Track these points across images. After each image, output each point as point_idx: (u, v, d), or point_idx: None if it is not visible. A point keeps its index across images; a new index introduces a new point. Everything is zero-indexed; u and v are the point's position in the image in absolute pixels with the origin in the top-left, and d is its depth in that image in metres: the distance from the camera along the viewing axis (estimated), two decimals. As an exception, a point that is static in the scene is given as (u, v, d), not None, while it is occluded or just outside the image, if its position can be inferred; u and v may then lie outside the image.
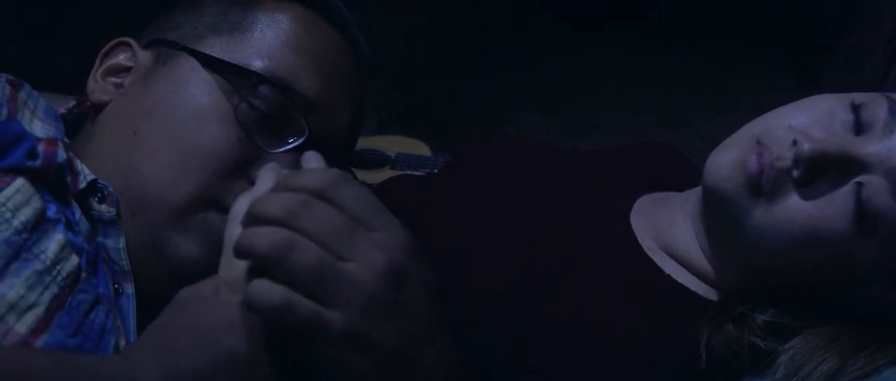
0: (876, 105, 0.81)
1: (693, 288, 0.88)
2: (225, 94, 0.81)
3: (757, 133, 0.84)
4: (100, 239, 0.77)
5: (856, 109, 0.81)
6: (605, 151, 1.15)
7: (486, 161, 1.06)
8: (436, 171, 1.21)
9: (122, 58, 0.87)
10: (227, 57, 0.82)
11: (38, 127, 0.78)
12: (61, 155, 0.73)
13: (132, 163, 0.79)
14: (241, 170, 0.79)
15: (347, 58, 0.91)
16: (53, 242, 0.69)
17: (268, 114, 0.81)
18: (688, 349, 0.81)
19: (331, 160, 0.75)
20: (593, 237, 0.92)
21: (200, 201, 0.78)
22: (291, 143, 0.82)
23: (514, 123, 3.26)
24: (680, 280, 0.88)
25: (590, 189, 1.00)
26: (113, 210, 0.78)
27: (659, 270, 0.89)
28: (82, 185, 0.77)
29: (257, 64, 0.82)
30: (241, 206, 0.66)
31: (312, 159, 0.72)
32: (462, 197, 0.99)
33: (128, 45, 0.87)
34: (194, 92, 0.81)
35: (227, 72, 0.81)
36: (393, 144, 2.15)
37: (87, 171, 0.78)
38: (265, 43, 0.84)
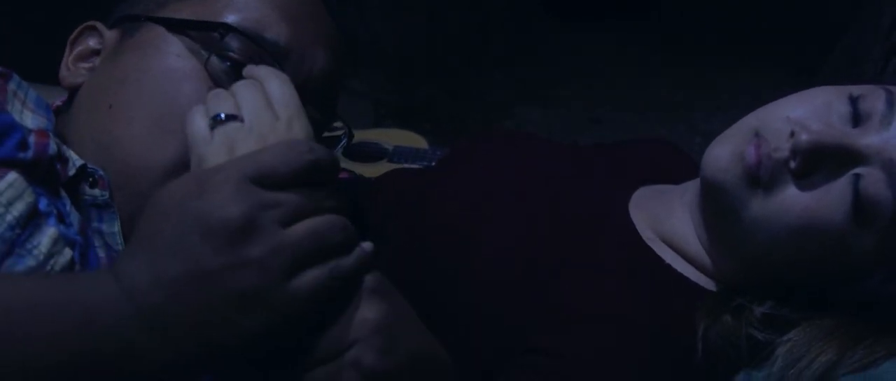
0: (874, 97, 0.80)
1: (692, 278, 0.88)
2: (193, 52, 0.80)
3: (755, 125, 0.84)
4: (95, 225, 0.77)
5: (853, 100, 0.81)
6: (605, 146, 1.15)
7: (486, 154, 1.06)
8: (433, 164, 1.21)
9: (90, 42, 0.86)
10: (191, 17, 0.81)
11: (29, 118, 0.77)
12: (52, 147, 0.73)
13: (112, 135, 0.78)
14: None
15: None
16: (46, 236, 0.68)
17: (239, 64, 0.78)
18: (687, 339, 0.81)
19: (311, 107, 0.76)
20: (593, 228, 0.92)
21: (184, 160, 0.72)
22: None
23: (514, 120, 3.26)
24: (679, 270, 0.88)
25: (589, 182, 1.00)
26: (106, 193, 0.76)
27: (659, 259, 0.89)
28: (72, 171, 0.75)
29: (222, 18, 0.81)
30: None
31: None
32: (463, 188, 0.99)
33: (94, 29, 0.86)
34: (162, 56, 0.80)
35: (192, 29, 0.80)
36: (391, 138, 2.14)
37: (75, 156, 0.77)
38: (230, 4, 0.83)
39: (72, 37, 0.86)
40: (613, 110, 3.33)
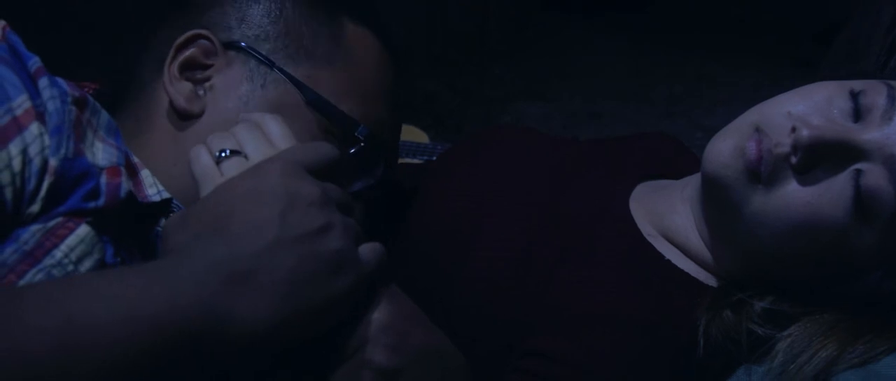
0: (875, 92, 0.80)
1: (693, 274, 0.88)
2: (323, 134, 0.81)
3: (756, 120, 0.84)
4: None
5: (855, 96, 0.81)
6: (605, 141, 1.15)
7: (487, 150, 1.06)
8: (434, 158, 1.20)
9: (197, 52, 0.81)
10: (325, 93, 0.82)
11: (101, 152, 0.71)
12: (124, 188, 0.70)
13: None
14: None
15: (401, 82, 0.93)
16: None
17: (355, 161, 0.83)
18: (687, 335, 0.81)
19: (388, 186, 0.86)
20: (593, 224, 0.92)
21: None
22: (362, 183, 0.85)
23: (514, 114, 3.26)
24: (679, 266, 0.88)
25: (589, 177, 1.00)
26: None
27: (659, 255, 0.89)
28: (155, 198, 0.75)
29: (353, 109, 0.83)
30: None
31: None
32: (463, 184, 0.99)
33: (207, 39, 0.81)
34: (306, 129, 0.80)
35: (333, 116, 0.82)
36: (391, 132, 2.14)
37: (160, 186, 0.76)
38: (359, 86, 0.85)
39: (179, 41, 0.80)
40: (613, 105, 3.33)
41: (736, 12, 4.01)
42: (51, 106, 0.65)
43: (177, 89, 0.80)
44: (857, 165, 0.78)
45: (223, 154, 0.69)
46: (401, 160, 1.96)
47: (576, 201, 0.96)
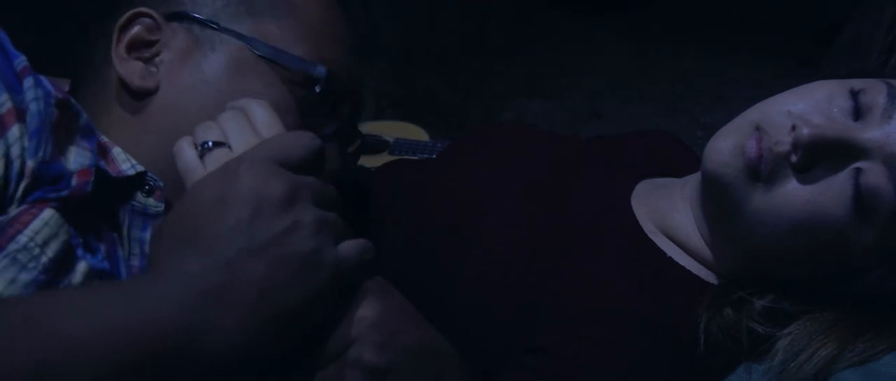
0: (875, 91, 0.80)
1: (694, 271, 0.88)
2: (284, 84, 0.81)
3: (756, 119, 0.84)
4: (137, 232, 0.75)
5: (855, 94, 0.81)
6: (606, 138, 1.15)
7: (487, 147, 1.06)
8: (433, 156, 1.21)
9: (141, 30, 0.81)
10: (276, 44, 0.82)
11: (73, 154, 0.71)
12: (90, 186, 0.69)
13: None
14: None
15: (353, 29, 0.91)
16: (78, 272, 0.66)
17: (319, 103, 0.83)
18: (687, 332, 0.81)
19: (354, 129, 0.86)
20: (595, 220, 0.92)
21: None
22: (332, 126, 0.85)
23: (514, 112, 3.26)
24: (681, 263, 0.88)
25: (591, 174, 1.00)
26: (161, 205, 0.76)
27: (661, 252, 0.89)
28: (130, 172, 0.75)
29: (307, 54, 0.82)
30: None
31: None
32: (464, 181, 0.99)
33: (147, 16, 0.81)
34: (258, 86, 0.80)
35: (287, 63, 0.81)
36: (391, 130, 2.15)
37: (133, 160, 0.76)
38: (308, 31, 0.84)
39: (119, 23, 0.81)
40: (614, 103, 3.33)
41: (737, 11, 4.01)
42: (33, 107, 0.65)
43: (128, 70, 0.80)
44: (857, 164, 0.78)
45: (208, 145, 0.68)
46: (400, 158, 1.97)
47: (577, 198, 0.96)
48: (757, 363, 0.81)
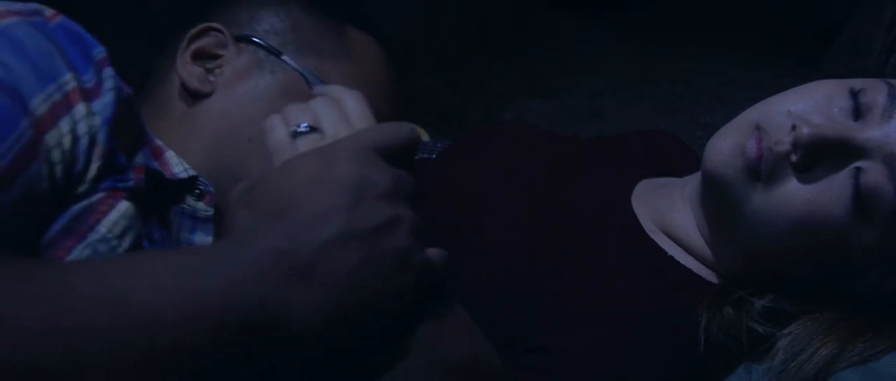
0: (875, 91, 0.80)
1: (695, 271, 0.88)
2: None
3: (756, 119, 0.84)
4: (186, 234, 0.78)
5: (855, 94, 0.81)
6: (606, 138, 1.15)
7: (488, 146, 1.06)
8: (434, 156, 1.21)
9: (210, 42, 0.86)
10: (329, 82, 0.84)
11: (130, 151, 0.73)
12: (144, 184, 0.71)
13: (245, 167, 0.80)
14: None
15: (399, 87, 0.96)
16: None
17: None
18: (688, 332, 0.81)
19: None
20: (595, 220, 0.92)
21: None
22: None
23: (514, 112, 3.26)
24: (682, 263, 0.89)
25: (591, 174, 1.00)
26: (211, 210, 0.79)
27: (662, 251, 0.89)
28: (182, 175, 0.78)
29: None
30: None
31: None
32: (464, 180, 1.00)
33: (219, 32, 0.86)
34: None
35: None
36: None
37: (186, 164, 0.79)
38: (360, 78, 0.88)
39: (191, 32, 0.86)
40: (614, 103, 3.33)
41: (736, 12, 4.01)
42: (109, 97, 0.66)
43: (189, 72, 0.85)
44: (857, 164, 0.78)
45: (300, 128, 0.68)
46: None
47: (578, 197, 0.96)
48: (757, 363, 0.81)
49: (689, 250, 0.91)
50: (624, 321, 0.81)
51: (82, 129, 0.63)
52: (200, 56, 0.86)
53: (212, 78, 0.85)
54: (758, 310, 0.82)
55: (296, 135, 0.68)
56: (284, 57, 0.86)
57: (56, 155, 0.61)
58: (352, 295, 0.57)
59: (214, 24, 0.86)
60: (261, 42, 0.87)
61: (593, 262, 0.88)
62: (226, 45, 0.86)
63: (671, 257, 0.89)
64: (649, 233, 0.91)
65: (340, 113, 0.70)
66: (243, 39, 0.87)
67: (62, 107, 0.62)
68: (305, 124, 0.68)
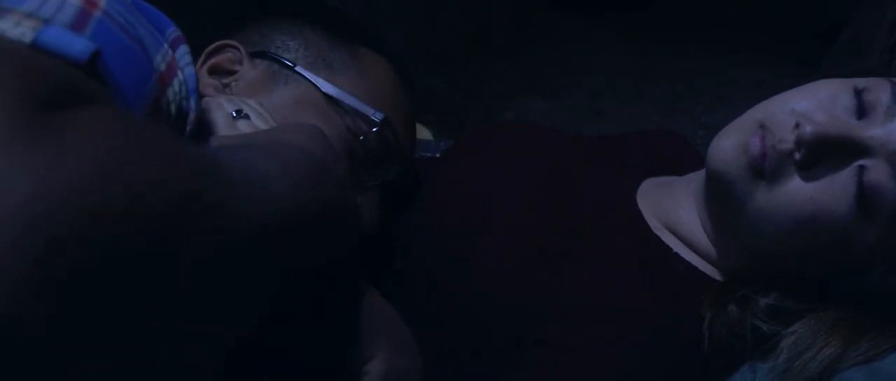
0: (879, 89, 0.81)
1: (699, 267, 0.89)
2: (342, 125, 0.87)
3: (760, 117, 0.84)
4: None
5: (859, 93, 0.81)
6: (610, 138, 1.16)
7: (493, 145, 1.06)
8: (437, 155, 1.21)
9: (225, 59, 0.89)
10: (350, 93, 0.89)
11: None
12: None
13: None
14: None
15: (411, 106, 0.99)
16: None
17: (373, 152, 0.89)
18: (693, 329, 0.81)
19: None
20: (601, 217, 0.92)
21: None
22: (377, 180, 0.92)
23: (515, 111, 3.26)
24: (686, 259, 0.89)
25: (596, 172, 1.00)
26: None
27: (667, 248, 0.89)
28: None
29: (372, 109, 0.89)
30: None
31: None
32: (470, 178, 1.00)
33: (235, 48, 0.90)
34: (324, 119, 0.86)
35: (349, 111, 0.88)
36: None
37: None
38: (372, 90, 0.91)
39: (210, 48, 0.89)
40: (615, 102, 3.32)
41: (737, 11, 4.01)
42: (188, 70, 0.69)
43: (204, 83, 0.87)
44: (861, 162, 0.78)
45: (240, 113, 0.77)
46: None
47: (583, 195, 0.96)
48: (761, 362, 0.81)
49: (693, 248, 0.91)
50: (629, 318, 0.82)
51: (183, 92, 0.67)
52: (216, 72, 0.89)
53: (227, 91, 0.87)
54: (762, 308, 0.82)
55: (235, 117, 0.77)
56: (298, 68, 0.89)
57: (173, 110, 0.65)
58: (321, 183, 0.65)
59: (232, 42, 0.89)
60: (275, 55, 0.89)
61: (599, 258, 0.88)
62: (241, 61, 0.89)
63: (676, 254, 0.89)
64: (654, 230, 0.91)
65: (259, 110, 0.80)
66: (258, 55, 0.90)
67: (172, 67, 0.66)
68: (242, 110, 0.78)
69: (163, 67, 0.64)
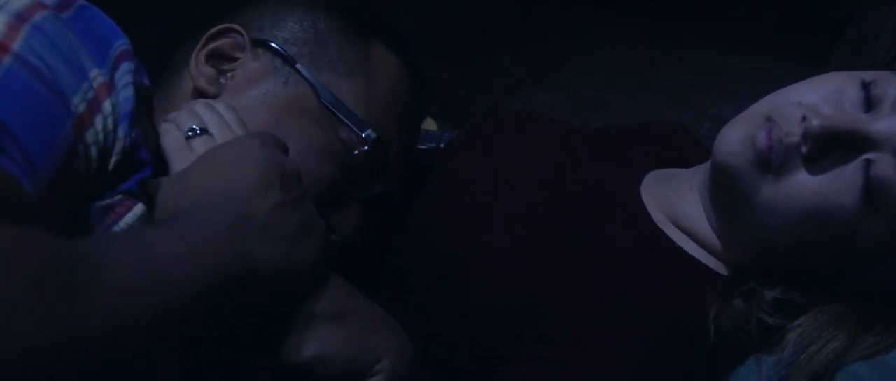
0: (886, 83, 0.80)
1: (704, 261, 0.88)
2: (338, 136, 0.85)
3: (767, 110, 0.84)
4: None
5: (866, 86, 0.81)
6: (614, 129, 1.15)
7: (496, 137, 1.06)
8: (442, 145, 1.21)
9: (227, 44, 0.87)
10: (345, 101, 0.86)
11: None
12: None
13: None
14: (326, 205, 0.82)
15: (419, 108, 0.98)
16: None
17: (363, 168, 0.87)
18: (698, 323, 0.81)
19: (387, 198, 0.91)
20: (605, 209, 0.92)
21: None
22: (363, 192, 0.89)
23: (521, 103, 3.25)
24: (691, 253, 0.88)
25: (600, 164, 1.00)
26: None
27: (671, 242, 0.89)
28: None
29: (367, 119, 0.86)
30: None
31: None
32: (473, 170, 1.00)
33: (238, 33, 0.87)
34: (318, 127, 0.84)
35: (345, 121, 0.85)
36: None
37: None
38: (374, 99, 0.88)
39: (211, 31, 0.86)
40: (621, 95, 3.32)
41: (744, 5, 4.00)
42: (125, 93, 0.67)
43: (200, 72, 0.85)
44: (867, 155, 0.78)
45: (194, 131, 0.75)
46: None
47: (586, 187, 0.96)
48: (766, 355, 0.81)
49: (698, 241, 0.91)
50: (633, 311, 0.82)
51: (110, 124, 0.66)
52: (216, 56, 0.86)
53: (223, 80, 0.85)
54: (768, 301, 0.82)
55: (189, 137, 0.75)
56: (299, 66, 0.86)
57: (93, 152, 0.63)
58: (295, 249, 0.68)
59: (235, 26, 0.87)
60: (278, 48, 0.86)
61: (603, 252, 0.88)
62: (243, 48, 0.86)
63: (680, 248, 0.89)
64: (659, 224, 0.91)
65: (221, 118, 0.77)
66: (261, 44, 0.87)
67: (95, 104, 0.64)
68: (196, 128, 0.76)
69: (82, 108, 0.62)
